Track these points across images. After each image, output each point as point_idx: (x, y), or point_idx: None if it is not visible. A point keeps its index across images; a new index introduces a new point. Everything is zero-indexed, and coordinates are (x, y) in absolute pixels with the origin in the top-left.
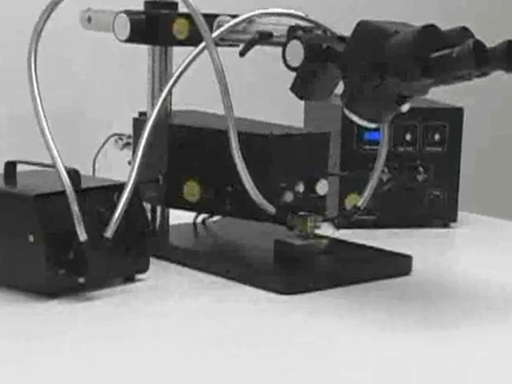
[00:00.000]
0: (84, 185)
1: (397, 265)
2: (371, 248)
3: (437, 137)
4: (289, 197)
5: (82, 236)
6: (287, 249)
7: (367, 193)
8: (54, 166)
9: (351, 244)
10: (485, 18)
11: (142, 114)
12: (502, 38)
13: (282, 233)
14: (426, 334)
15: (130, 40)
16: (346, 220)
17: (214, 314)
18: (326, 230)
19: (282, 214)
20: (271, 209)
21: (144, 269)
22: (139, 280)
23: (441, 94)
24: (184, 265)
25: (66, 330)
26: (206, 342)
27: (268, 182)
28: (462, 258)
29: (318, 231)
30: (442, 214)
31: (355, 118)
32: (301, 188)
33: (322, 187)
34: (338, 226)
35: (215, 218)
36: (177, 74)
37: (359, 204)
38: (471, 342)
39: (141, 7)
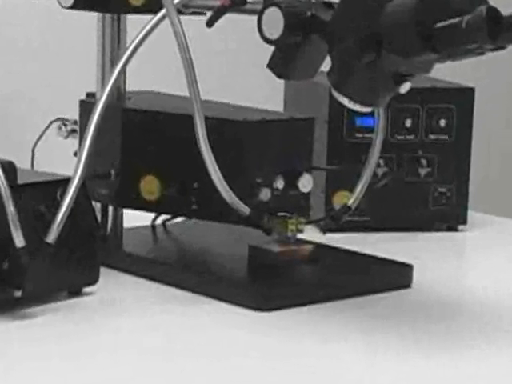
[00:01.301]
0: (21, 180)
1: (394, 276)
2: (364, 255)
3: (442, 122)
4: (266, 194)
5: (19, 241)
6: (264, 256)
7: (359, 190)
8: None
9: (340, 251)
10: None
11: (90, 95)
12: None
13: (257, 237)
14: (427, 358)
15: (75, 7)
16: (335, 222)
17: (176, 334)
18: (311, 234)
19: (258, 215)
20: (245, 209)
21: (93, 280)
22: (87, 294)
23: (447, 72)
24: (141, 276)
25: None
26: (166, 369)
27: (241, 176)
28: (472, 267)
29: (300, 235)
30: (448, 214)
31: (345, 101)
32: (280, 184)
33: (305, 183)
34: (324, 230)
35: (178, 220)
36: (132, 47)
37: (350, 203)
38: (477, 369)
39: None
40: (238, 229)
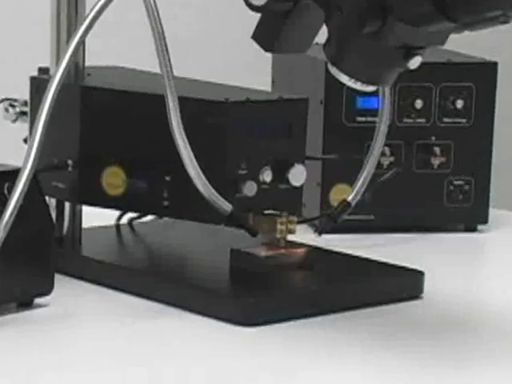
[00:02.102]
0: None
1: (402, 284)
2: (367, 261)
3: (459, 103)
4: (251, 189)
5: None
6: (249, 262)
7: (361, 183)
8: None
9: (339, 255)
10: None
11: (43, 70)
12: None
13: (241, 240)
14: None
15: None
16: (332, 221)
17: (145, 354)
18: (304, 235)
19: (242, 214)
20: (226, 206)
21: (46, 290)
22: (39, 306)
23: (465, 45)
24: (103, 284)
25: None
26: None
27: (222, 167)
28: (494, 274)
29: (291, 237)
30: (466, 212)
31: (344, 78)
32: (267, 176)
33: (297, 175)
34: (320, 230)
35: (147, 219)
36: (91, 15)
37: (350, 199)
38: None
39: None
40: (219, 229)
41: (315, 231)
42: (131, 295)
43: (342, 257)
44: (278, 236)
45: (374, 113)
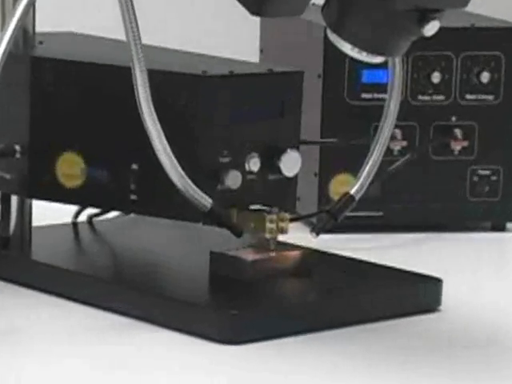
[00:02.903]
0: None
1: (416, 295)
2: (374, 266)
3: (485, 77)
4: (234, 180)
5: None
6: (232, 268)
7: (367, 173)
8: None
9: (340, 259)
10: None
11: None
12: None
13: (223, 241)
14: None
15: None
16: (332, 219)
17: (109, 378)
18: (298, 235)
19: (224, 210)
20: (205, 200)
21: None
22: None
23: (491, 6)
24: (57, 295)
25: None
26: None
27: (199, 154)
28: None
29: (283, 238)
30: (492, 208)
31: (346, 48)
32: (255, 165)
33: (289, 163)
34: (318, 229)
35: (110, 216)
36: None
37: (353, 192)
38: None
39: None
40: (197, 229)
41: (312, 230)
42: (91, 307)
43: (344, 261)
44: (268, 236)
45: (382, 88)
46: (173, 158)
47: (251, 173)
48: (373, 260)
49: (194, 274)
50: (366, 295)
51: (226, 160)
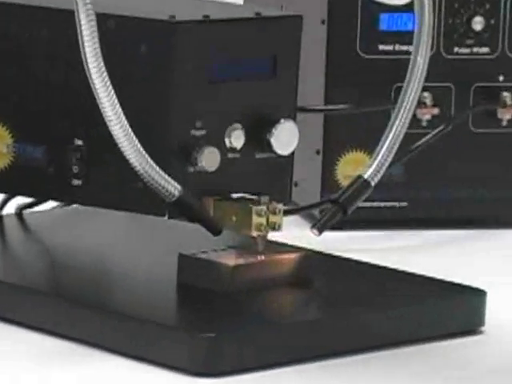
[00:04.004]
0: None
1: (451, 311)
2: (394, 273)
3: None
4: (211, 159)
5: None
6: (208, 276)
7: (385, 151)
8: None
9: (350, 264)
10: None
11: None
12: None
13: (195, 240)
14: None
15: None
16: (340, 211)
17: None
18: (295, 232)
19: (196, 199)
20: (172, 187)
21: None
22: None
23: None
24: None
25: None
26: None
27: (164, 126)
28: None
29: (276, 236)
30: None
31: None
32: (237, 140)
33: (283, 138)
34: (321, 225)
35: (46, 207)
36: None
37: (367, 175)
38: None
39: None
40: (161, 224)
41: (313, 226)
42: (20, 328)
43: (355, 267)
44: (255, 234)
45: (405, 38)
46: (129, 130)
47: (233, 150)
48: (393, 265)
49: (158, 283)
50: (383, 313)
51: (200, 133)
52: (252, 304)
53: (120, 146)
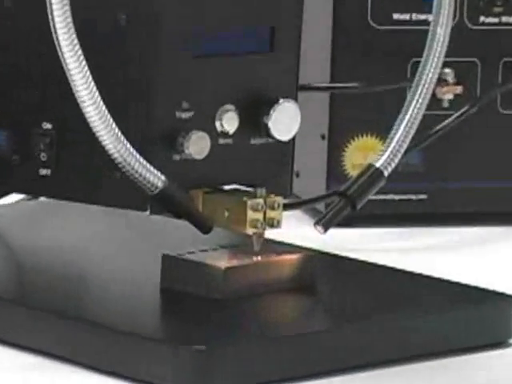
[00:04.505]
0: None
1: (478, 321)
2: (412, 276)
3: None
4: (200, 145)
5: None
6: (196, 280)
7: (401, 135)
8: None
9: (361, 266)
10: None
11: None
12: None
13: (182, 239)
14: None
15: None
16: (349, 205)
17: None
18: (297, 230)
19: (182, 192)
20: (154, 177)
21: None
22: None
23: None
24: None
25: None
26: None
27: (145, 106)
28: None
29: (275, 234)
30: None
31: None
32: (230, 123)
33: (283, 121)
34: (326, 221)
35: (9, 200)
36: None
37: (380, 164)
38: None
39: None
40: (142, 220)
41: (318, 223)
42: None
43: (367, 270)
44: (250, 232)
45: (424, 6)
46: (105, 112)
47: (225, 135)
48: (410, 268)
49: (138, 289)
50: (400, 322)
51: (187, 116)
52: (247, 313)
53: (94, 130)
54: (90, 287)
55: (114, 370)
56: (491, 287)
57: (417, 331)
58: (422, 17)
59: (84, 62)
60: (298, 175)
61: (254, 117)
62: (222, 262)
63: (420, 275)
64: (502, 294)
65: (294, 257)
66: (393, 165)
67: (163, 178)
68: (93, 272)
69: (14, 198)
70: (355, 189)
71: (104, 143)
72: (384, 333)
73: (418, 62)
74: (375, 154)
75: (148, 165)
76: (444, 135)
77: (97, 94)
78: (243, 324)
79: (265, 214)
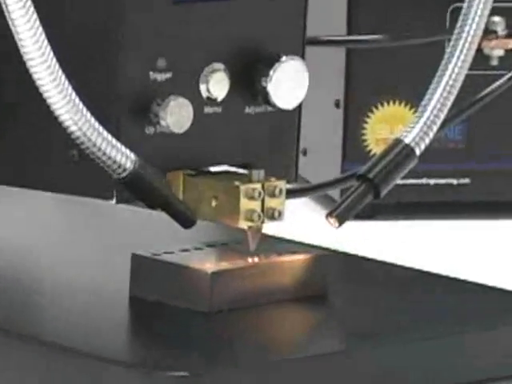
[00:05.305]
0: None
1: None
2: (449, 281)
3: None
4: (180, 115)
5: None
6: (174, 288)
7: (436, 102)
8: None
9: (384, 269)
10: None
11: None
12: None
13: (157, 235)
14: None
15: None
16: (370, 191)
17: None
18: (305, 223)
19: (158, 175)
20: (123, 156)
21: None
22: None
23: None
24: None
25: None
26: None
27: (110, 65)
28: None
29: (275, 228)
30: None
31: None
32: (219, 86)
33: (286, 84)
34: (341, 212)
35: None
36: None
37: (409, 139)
38: None
39: None
40: (108, 211)
41: (331, 214)
42: None
43: (391, 274)
44: (244, 226)
45: None
46: (59, 73)
47: (212, 102)
48: (451, 271)
49: (103, 299)
50: (434, 343)
51: (164, 77)
52: (240, 330)
53: (45, 95)
54: (41, 298)
55: None
56: None
57: (461, 354)
58: None
59: (32, 8)
60: (305, 153)
61: (250, 79)
62: (209, 264)
63: (464, 281)
64: None
65: (300, 258)
66: (426, 140)
67: (133, 156)
68: (45, 278)
69: None
70: (379, 171)
71: (57, 112)
72: (417, 357)
73: (460, 8)
74: (404, 126)
75: (114, 140)
76: (492, 103)
77: (48, 48)
78: (235, 344)
79: (263, 202)
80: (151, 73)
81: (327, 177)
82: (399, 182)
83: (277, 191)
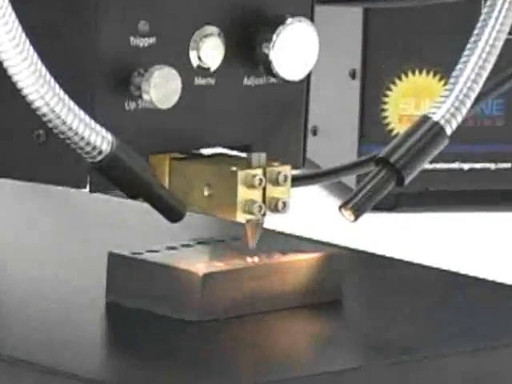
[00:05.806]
0: None
1: None
2: (481, 283)
3: None
4: (166, 88)
5: None
6: (160, 292)
7: (470, 72)
8: None
9: (407, 269)
10: None
11: None
12: None
13: (139, 231)
14: None
15: None
16: (392, 178)
17: None
18: (315, 215)
19: (140, 159)
20: (99, 137)
21: None
22: None
23: None
24: None
25: None
26: None
27: (86, 30)
28: None
29: (280, 221)
30: None
31: None
32: (212, 53)
33: (291, 51)
34: (358, 203)
35: None
36: None
37: (438, 117)
38: None
39: None
40: (83, 203)
41: (346, 205)
42: None
43: (419, 276)
44: (242, 219)
45: None
46: (22, 37)
47: (204, 72)
48: (485, 272)
49: (76, 306)
50: (464, 353)
51: (147, 43)
52: (235, 342)
53: (6, 64)
54: (7, 306)
55: None
56: None
57: (496, 372)
58: None
59: None
60: (315, 133)
61: (248, 45)
62: (199, 265)
63: (500, 284)
64: None
65: (308, 258)
66: (459, 118)
67: (110, 137)
68: (11, 282)
69: None
70: (402, 154)
71: (20, 85)
72: (443, 374)
73: None
74: (432, 100)
75: (87, 118)
76: None
77: (9, 8)
78: (231, 360)
79: (264, 191)
80: (132, 38)
81: (341, 161)
82: (426, 166)
83: (281, 178)
